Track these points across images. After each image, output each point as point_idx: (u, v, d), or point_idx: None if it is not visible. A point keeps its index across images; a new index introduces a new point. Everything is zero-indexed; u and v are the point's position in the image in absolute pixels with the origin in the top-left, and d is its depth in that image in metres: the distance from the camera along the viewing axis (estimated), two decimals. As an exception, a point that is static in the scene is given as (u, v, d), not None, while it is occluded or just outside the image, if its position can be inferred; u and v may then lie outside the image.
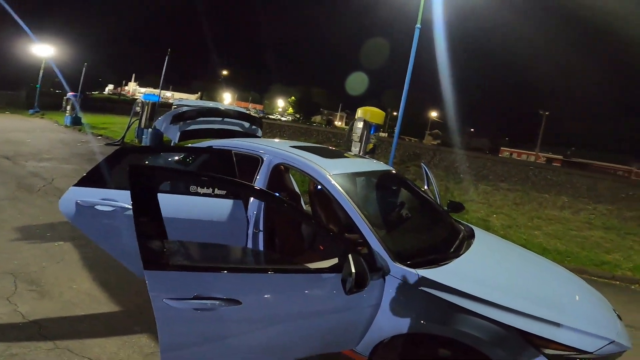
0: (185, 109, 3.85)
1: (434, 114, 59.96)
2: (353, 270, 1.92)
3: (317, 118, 64.25)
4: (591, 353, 2.03)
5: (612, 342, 2.12)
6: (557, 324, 2.08)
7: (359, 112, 7.89)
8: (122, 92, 63.80)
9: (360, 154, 7.71)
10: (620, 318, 2.59)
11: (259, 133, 4.61)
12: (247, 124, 4.55)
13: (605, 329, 2.24)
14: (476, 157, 14.33)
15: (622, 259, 6.35)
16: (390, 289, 2.20)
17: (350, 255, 1.98)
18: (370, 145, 7.90)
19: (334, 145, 13.65)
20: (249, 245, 2.74)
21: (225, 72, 58.44)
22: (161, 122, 3.72)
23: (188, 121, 3.77)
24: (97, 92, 52.81)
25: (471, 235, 3.07)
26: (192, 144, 3.66)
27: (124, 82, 69.44)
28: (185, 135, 3.84)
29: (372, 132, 7.89)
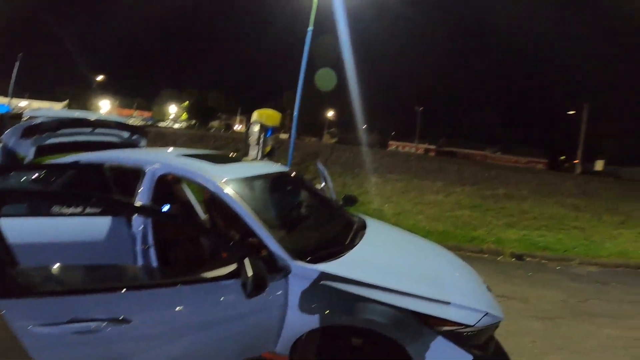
0: (40, 119, 3.16)
1: (330, 114, 62.44)
2: (250, 274, 1.91)
3: (215, 123, 61.11)
4: (473, 326, 2.25)
5: (487, 314, 2.36)
6: (446, 303, 2.28)
7: (254, 115, 7.70)
8: None
9: (258, 158, 7.53)
10: (490, 290, 2.93)
11: (143, 143, 4.08)
12: (126, 134, 3.98)
13: (480, 302, 2.48)
14: (367, 152, 15.35)
15: (486, 233, 7.41)
16: (294, 287, 2.22)
17: (246, 260, 1.97)
18: (268, 148, 7.77)
19: (234, 150, 13.17)
20: (140, 262, 2.47)
21: (99, 78, 51.23)
22: (9, 136, 2.99)
23: (46, 134, 3.11)
24: None
25: (364, 226, 3.20)
26: (55, 159, 3.05)
27: None
28: (44, 151, 3.16)
29: (268, 134, 7.78)
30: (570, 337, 3.57)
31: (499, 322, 2.49)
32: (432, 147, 59.63)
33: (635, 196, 12.79)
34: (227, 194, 2.45)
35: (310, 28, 8.49)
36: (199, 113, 56.66)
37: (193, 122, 55.91)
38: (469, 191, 11.02)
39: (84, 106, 50.98)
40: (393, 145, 60.83)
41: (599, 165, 31.63)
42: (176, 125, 50.37)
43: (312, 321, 2.17)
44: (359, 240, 2.84)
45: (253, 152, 7.59)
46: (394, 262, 2.73)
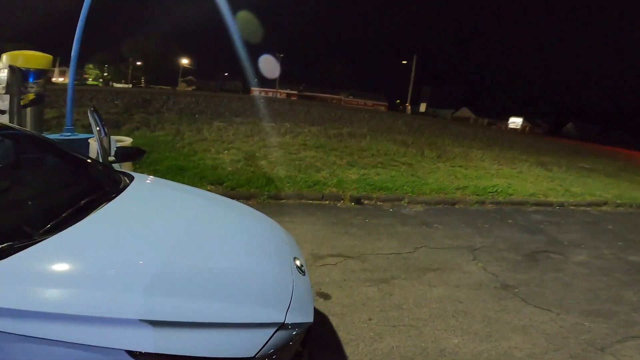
0: None
1: (185, 61, 54.49)
2: None
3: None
4: (253, 357, 1.23)
5: (281, 325, 1.37)
6: (201, 325, 1.22)
7: (4, 58, 4.70)
8: None
9: (11, 109, 4.72)
10: (302, 269, 1.81)
11: None
12: None
13: (273, 308, 1.44)
14: (214, 96, 12.97)
15: (329, 175, 6.58)
16: None
17: None
18: (31, 96, 4.95)
19: None
20: None
21: None
22: None
23: None
24: None
25: (118, 190, 1.93)
26: None
27: None
28: None
29: (30, 79, 4.93)
30: (403, 306, 2.80)
31: (307, 328, 1.47)
32: (294, 92, 59.09)
33: (447, 133, 14.34)
34: None
35: None
36: None
37: None
38: (315, 131, 10.20)
39: None
40: (255, 91, 57.82)
41: (422, 107, 36.17)
42: None
43: None
44: (82, 218, 1.56)
45: (4, 102, 4.71)
46: (123, 255, 1.43)
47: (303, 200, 5.39)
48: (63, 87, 11.86)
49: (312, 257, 3.54)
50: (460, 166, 9.01)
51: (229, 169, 6.13)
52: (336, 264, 3.44)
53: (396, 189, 6.34)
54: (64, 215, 1.54)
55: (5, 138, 2.19)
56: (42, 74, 5.13)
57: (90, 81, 48.84)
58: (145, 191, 2.09)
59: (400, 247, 4.11)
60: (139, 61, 51.50)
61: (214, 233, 1.84)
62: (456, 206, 6.21)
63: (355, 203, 5.60)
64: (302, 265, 1.88)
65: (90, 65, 54.70)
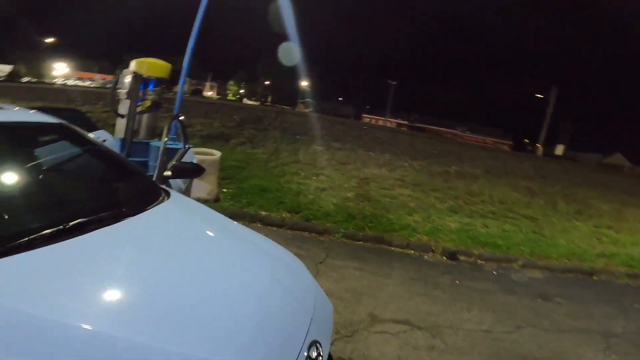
0: None
1: (304, 83, 59.54)
2: None
3: (184, 87, 56.65)
4: None
5: None
6: None
7: (132, 65, 5.47)
8: None
9: (133, 113, 5.37)
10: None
11: None
12: None
13: None
14: (319, 118, 13.35)
15: (422, 220, 5.73)
16: None
17: None
18: (147, 103, 5.60)
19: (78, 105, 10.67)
20: None
21: (50, 40, 45.13)
22: None
23: None
24: None
25: (141, 208, 1.72)
26: None
27: None
28: None
29: (150, 87, 5.60)
30: None
31: None
32: (405, 122, 58.08)
33: (593, 182, 11.59)
34: None
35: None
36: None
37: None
38: (417, 166, 9.34)
39: (35, 69, 45.82)
40: (366, 118, 58.90)
41: (559, 149, 31.06)
42: None
43: None
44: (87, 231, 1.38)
45: (124, 107, 5.43)
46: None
47: (383, 246, 4.72)
48: (197, 99, 14.01)
49: (368, 318, 2.89)
50: (609, 227, 6.99)
51: (310, 197, 5.88)
52: (397, 333, 2.72)
53: (508, 247, 5.13)
54: (44, 232, 1.31)
55: (59, 138, 2.27)
56: (162, 82, 5.76)
57: (230, 97, 57.16)
58: (162, 217, 1.84)
59: (495, 323, 3.11)
60: (268, 80, 58.13)
61: (202, 294, 1.40)
62: (594, 277, 4.71)
63: (447, 258, 4.65)
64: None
65: (231, 82, 64.27)
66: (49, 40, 44.23)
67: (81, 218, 1.44)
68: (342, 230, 4.79)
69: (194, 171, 2.63)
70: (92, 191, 2.00)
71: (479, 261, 4.74)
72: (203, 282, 1.38)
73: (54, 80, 39.58)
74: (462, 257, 4.73)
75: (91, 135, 3.88)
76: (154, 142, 5.71)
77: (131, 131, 5.61)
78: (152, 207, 1.79)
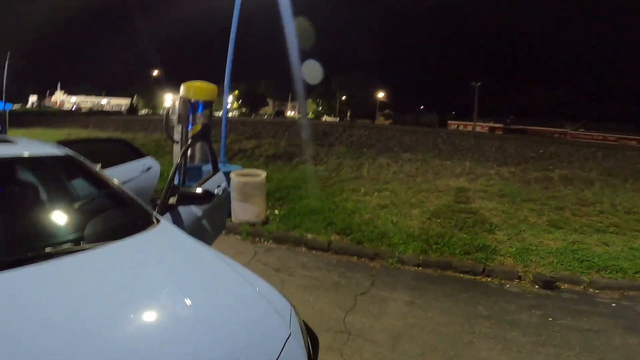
0: None
1: (381, 95, 59.19)
2: None
3: (268, 109, 61.27)
4: None
5: None
6: None
7: (181, 89, 5.82)
8: (45, 104, 57.15)
9: (183, 139, 5.66)
10: None
11: None
12: None
13: None
14: (387, 129, 12.77)
15: (508, 238, 4.77)
16: None
17: None
18: (198, 127, 5.85)
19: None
20: None
21: (155, 73, 53.33)
22: None
23: None
24: (19, 106, 46.28)
25: (109, 239, 1.66)
26: None
27: (48, 92, 62.07)
28: None
29: (199, 111, 5.85)
30: None
31: None
32: (499, 125, 52.85)
33: None
34: None
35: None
36: (249, 101, 56.67)
37: (243, 110, 56.19)
38: (507, 173, 8.08)
39: (149, 100, 54.15)
40: (453, 124, 55.33)
41: None
42: (230, 114, 50.83)
43: None
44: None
45: (177, 134, 5.75)
46: None
47: (448, 272, 3.99)
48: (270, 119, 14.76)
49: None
50: None
51: (367, 216, 5.39)
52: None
53: (637, 272, 3.95)
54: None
55: (63, 168, 2.32)
56: (209, 105, 5.99)
57: (310, 115, 59.86)
58: (131, 251, 1.67)
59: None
60: (344, 95, 59.27)
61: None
62: None
63: (541, 286, 3.71)
64: None
65: (310, 100, 67.41)
66: (155, 73, 52.21)
67: (42, 248, 1.48)
68: (398, 254, 4.19)
69: (203, 198, 2.47)
70: (71, 221, 1.94)
71: (590, 290, 3.68)
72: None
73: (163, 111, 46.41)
74: (563, 286, 3.73)
75: (134, 163, 4.10)
76: (206, 167, 5.94)
77: (184, 157, 5.96)
78: (122, 240, 1.68)
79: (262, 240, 4.66)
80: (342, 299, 3.29)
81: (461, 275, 3.93)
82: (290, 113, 63.59)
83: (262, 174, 5.23)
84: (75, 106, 57.52)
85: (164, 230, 1.91)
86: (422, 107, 67.73)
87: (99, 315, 1.20)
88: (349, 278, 3.72)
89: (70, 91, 62.83)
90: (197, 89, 5.73)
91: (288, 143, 11.54)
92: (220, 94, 6.19)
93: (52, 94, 62.89)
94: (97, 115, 33.76)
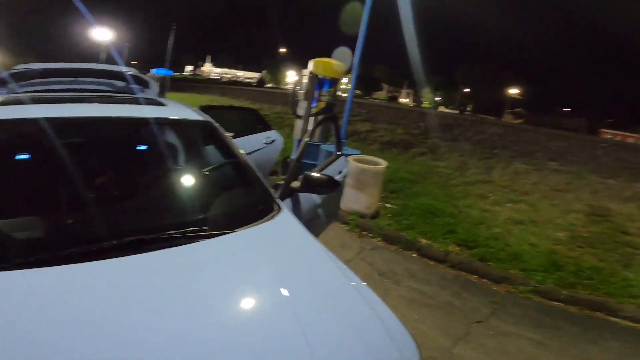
0: (26, 68, 2.84)
1: (513, 91, 52.70)
2: None
3: (381, 94, 60.42)
4: None
5: None
6: None
7: (309, 65, 5.76)
8: (198, 73, 68.33)
9: (308, 114, 5.63)
10: None
11: (145, 92, 3.25)
12: (120, 83, 3.29)
13: None
14: (527, 130, 10.96)
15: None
16: None
17: None
18: (322, 104, 5.74)
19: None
20: None
21: (283, 50, 57.89)
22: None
23: (22, 82, 2.70)
24: (178, 74, 56.06)
25: (225, 229, 1.50)
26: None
27: (199, 63, 74.00)
28: None
29: (325, 88, 5.74)
30: None
31: None
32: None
33: None
34: None
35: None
36: (363, 84, 56.23)
37: (358, 92, 56.16)
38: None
39: (275, 76, 58.85)
40: (607, 134, 45.87)
41: None
42: (344, 95, 51.83)
43: None
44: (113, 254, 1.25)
45: (301, 109, 5.74)
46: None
47: (599, 314, 3.16)
48: (385, 104, 14.00)
49: None
50: None
51: (496, 229, 4.61)
52: None
53: None
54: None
55: (201, 135, 2.32)
56: (336, 83, 5.83)
57: (424, 104, 57.15)
58: (246, 245, 1.50)
59: None
60: (468, 88, 54.62)
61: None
62: None
63: None
64: None
65: (427, 89, 64.27)
66: (283, 50, 57.09)
67: (151, 234, 1.38)
68: (534, 283, 3.43)
69: (327, 186, 2.19)
70: (191, 202, 1.85)
71: None
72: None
73: (287, 86, 50.09)
74: None
75: (260, 134, 4.16)
76: (324, 145, 5.85)
77: (305, 133, 5.95)
78: (240, 230, 1.52)
79: (369, 235, 4.36)
80: (453, 324, 2.82)
81: (616, 319, 3.05)
82: (405, 100, 61.69)
83: (383, 164, 4.87)
84: (218, 76, 67.12)
85: (285, 223, 1.70)
86: (565, 110, 58.04)
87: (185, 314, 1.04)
88: (464, 300, 3.18)
89: (216, 64, 73.85)
90: (325, 65, 5.61)
91: (405, 131, 10.89)
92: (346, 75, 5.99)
93: (202, 65, 74.43)
94: (232, 85, 37.99)
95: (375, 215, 4.77)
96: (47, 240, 1.36)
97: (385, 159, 5.13)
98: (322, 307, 1.22)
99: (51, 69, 3.05)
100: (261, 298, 1.23)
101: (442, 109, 48.41)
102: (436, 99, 57.38)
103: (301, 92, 5.74)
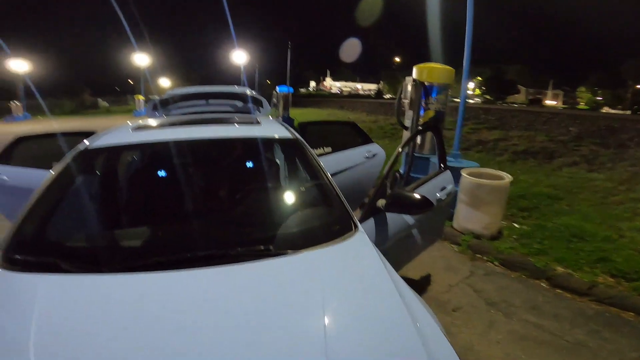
0: (168, 96, 3.64)
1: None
2: None
3: (519, 97, 52.78)
4: None
5: None
6: None
7: (413, 72, 5.42)
8: (321, 88, 73.17)
9: (415, 125, 5.32)
10: None
11: (258, 111, 3.88)
12: (239, 103, 3.88)
13: None
14: None
15: None
16: None
17: None
18: (431, 113, 5.32)
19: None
20: None
21: (397, 59, 56.88)
22: (149, 110, 3.59)
23: (170, 106, 3.51)
24: (303, 90, 61.32)
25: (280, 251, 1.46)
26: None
27: (321, 78, 79.44)
28: None
29: (433, 95, 5.31)
30: None
31: None
32: None
33: None
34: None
35: None
36: (495, 87, 50.00)
37: (488, 97, 50.20)
38: None
39: (392, 85, 58.40)
40: None
41: None
42: (471, 101, 47.47)
43: None
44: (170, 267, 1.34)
45: (408, 120, 5.44)
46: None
47: None
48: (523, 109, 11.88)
49: None
50: None
51: (626, 253, 3.44)
52: None
53: None
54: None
55: (289, 152, 2.37)
56: (445, 89, 5.34)
57: (580, 106, 47.84)
58: (307, 269, 1.38)
59: None
60: (636, 85, 43.67)
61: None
62: None
63: None
64: None
65: (583, 89, 53.81)
66: (396, 59, 56.65)
67: (216, 250, 1.45)
68: None
69: (418, 207, 1.96)
70: (264, 219, 1.85)
71: None
72: None
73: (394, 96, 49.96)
74: None
75: (360, 148, 4.11)
76: (435, 159, 5.39)
77: (412, 145, 5.56)
78: (303, 251, 1.43)
79: (484, 258, 3.78)
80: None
81: None
82: (552, 102, 52.93)
83: (506, 178, 4.20)
84: (339, 90, 71.18)
85: (355, 246, 1.52)
86: None
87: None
88: (604, 341, 2.43)
89: (335, 78, 78.96)
90: (430, 70, 5.23)
91: (548, 138, 9.25)
92: (459, 80, 5.42)
93: (324, 80, 79.90)
94: (351, 98, 38.92)
95: (495, 237, 4.12)
96: (142, 250, 1.53)
97: (518, 171, 4.43)
98: (361, 348, 1.04)
99: (188, 93, 3.65)
100: (292, 327, 1.11)
101: (606, 109, 39.79)
102: (597, 98, 47.73)
103: (406, 101, 5.47)
